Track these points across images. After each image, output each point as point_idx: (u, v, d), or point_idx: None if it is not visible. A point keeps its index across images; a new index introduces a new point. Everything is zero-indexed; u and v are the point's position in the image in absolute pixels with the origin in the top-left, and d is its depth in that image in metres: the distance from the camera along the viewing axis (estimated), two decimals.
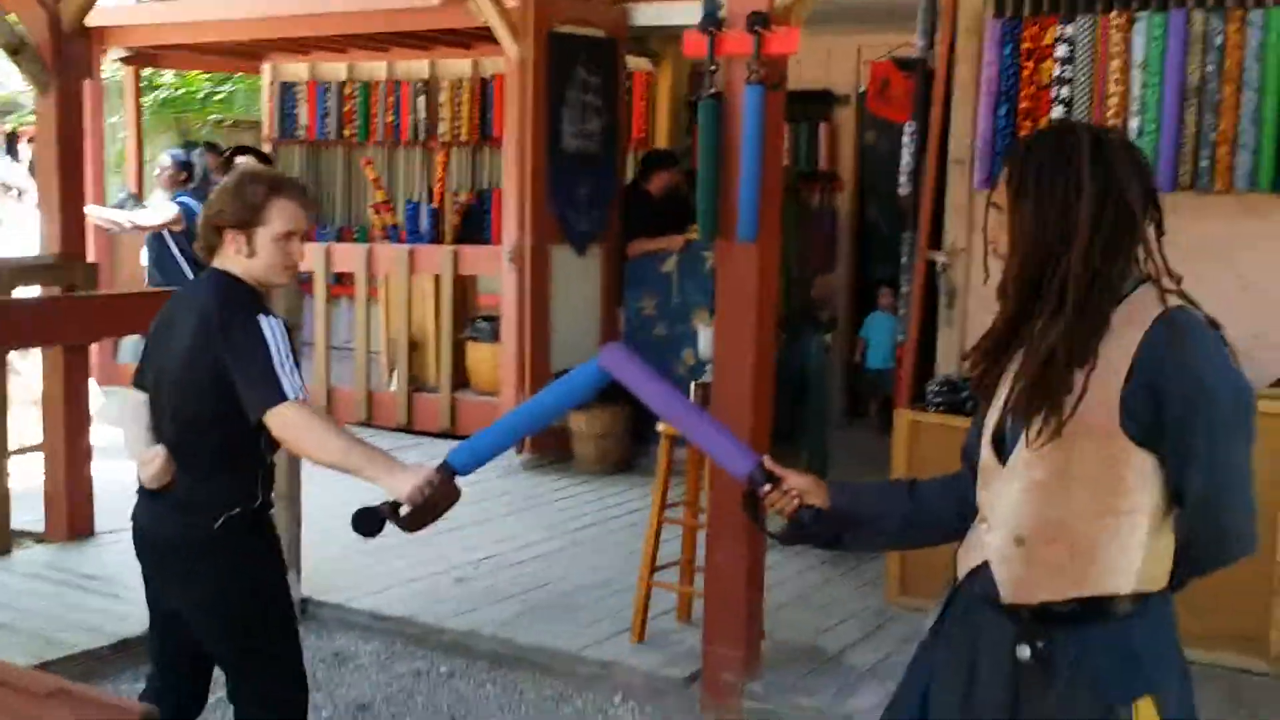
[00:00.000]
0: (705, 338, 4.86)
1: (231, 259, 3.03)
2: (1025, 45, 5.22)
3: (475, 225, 9.22)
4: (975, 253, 5.60)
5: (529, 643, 4.87)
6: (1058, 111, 5.17)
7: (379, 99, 9.82)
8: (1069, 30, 5.14)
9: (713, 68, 4.15)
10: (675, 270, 7.70)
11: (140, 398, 3.15)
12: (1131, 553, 2.05)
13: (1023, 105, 5.25)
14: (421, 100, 9.55)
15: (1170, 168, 4.98)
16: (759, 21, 4.02)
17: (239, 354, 2.89)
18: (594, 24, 7.96)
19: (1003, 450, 2.16)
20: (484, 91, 9.33)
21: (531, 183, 7.68)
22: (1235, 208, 5.05)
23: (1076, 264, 2.05)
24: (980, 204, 5.52)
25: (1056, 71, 5.17)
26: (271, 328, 2.93)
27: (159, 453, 3.01)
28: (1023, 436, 2.10)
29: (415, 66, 9.68)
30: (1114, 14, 5.07)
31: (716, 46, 4.13)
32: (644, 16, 8.22)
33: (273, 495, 3.21)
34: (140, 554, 3.15)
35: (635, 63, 9.11)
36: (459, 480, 2.74)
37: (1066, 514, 2.07)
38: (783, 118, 4.42)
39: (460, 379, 8.70)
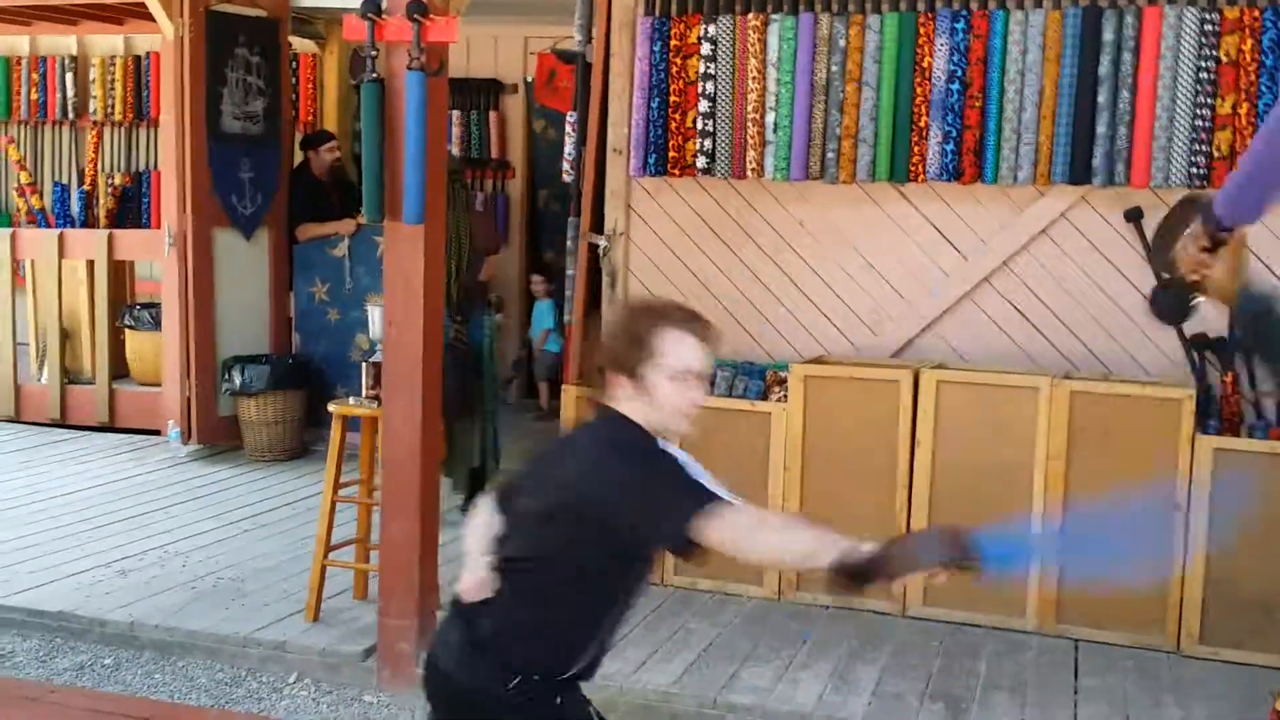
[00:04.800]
0: (375, 317, 4.93)
1: (625, 403, 2.54)
2: (674, 43, 5.59)
3: (132, 209, 8.83)
4: (635, 236, 5.95)
5: (197, 629, 4.82)
6: (704, 106, 5.57)
7: (22, 75, 9.21)
8: (712, 30, 5.54)
9: (373, 53, 4.25)
10: (347, 255, 7.69)
11: (495, 516, 2.73)
12: None
13: (672, 99, 5.62)
14: (70, 77, 9.03)
15: (802, 159, 5.46)
16: (419, 10, 4.15)
17: (636, 482, 2.44)
18: (255, 3, 7.82)
19: None
20: (139, 69, 8.94)
21: (191, 164, 7.47)
22: (858, 196, 5.60)
23: None
24: (637, 190, 5.88)
25: (701, 68, 5.56)
26: (679, 454, 2.50)
27: (484, 567, 2.62)
28: None
29: (62, 41, 9.15)
30: (751, 15, 5.51)
31: (377, 32, 4.23)
32: None
33: (595, 674, 2.69)
34: (425, 682, 2.75)
35: (301, 44, 8.98)
36: None
37: None
38: (445, 104, 4.57)
39: (119, 369, 8.34)
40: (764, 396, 5.36)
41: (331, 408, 5.02)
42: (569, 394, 5.64)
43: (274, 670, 4.66)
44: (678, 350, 2.49)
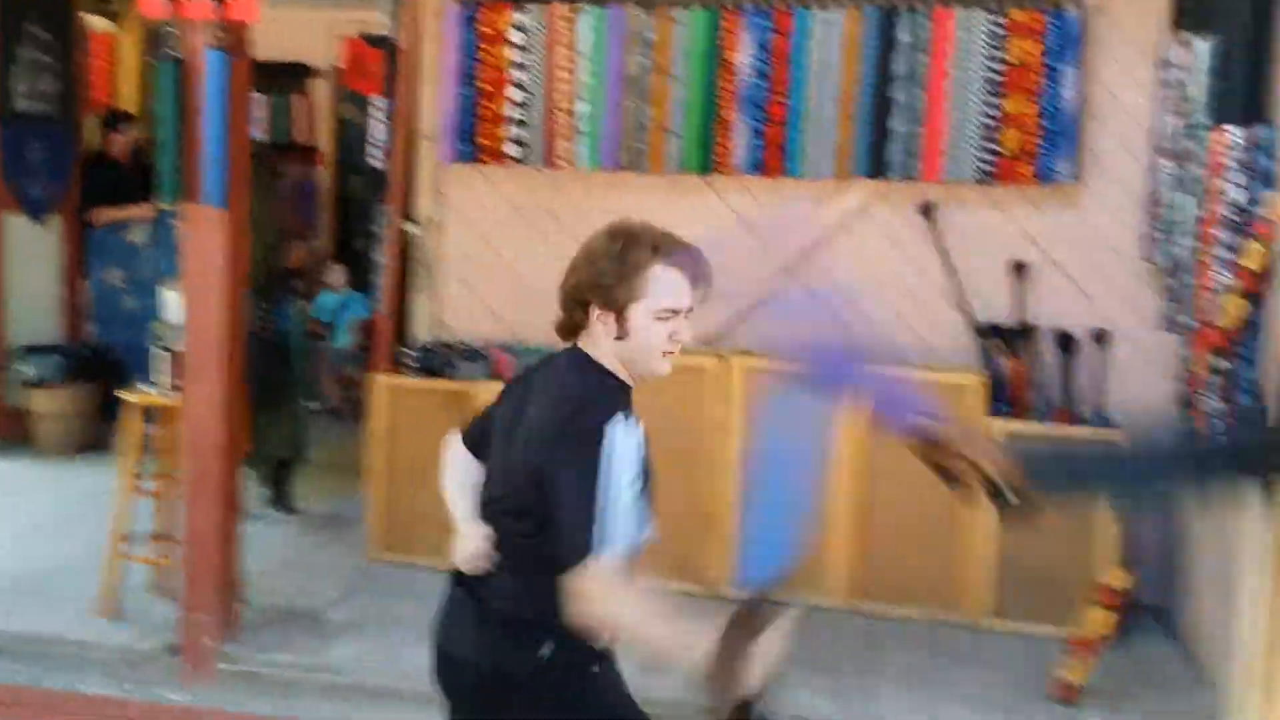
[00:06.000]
0: (170, 302, 4.77)
1: (598, 340, 2.36)
2: (484, 30, 5.58)
3: None
4: (446, 222, 5.92)
5: None
6: (515, 94, 5.58)
7: None
8: (521, 18, 5.55)
9: (172, 31, 4.12)
10: (145, 241, 7.42)
11: (470, 458, 2.52)
12: None
13: (484, 86, 5.61)
14: None
15: (613, 150, 5.53)
16: None
17: (568, 476, 2.20)
18: None
19: None
20: None
21: None
22: (667, 187, 5.70)
23: None
24: (448, 177, 5.85)
25: (512, 56, 5.57)
26: (620, 443, 2.21)
27: (481, 531, 2.38)
28: None
29: None
30: (561, 5, 5.54)
31: (175, 9, 4.10)
32: None
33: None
34: (439, 678, 2.43)
35: (97, 22, 8.60)
36: None
37: None
38: (248, 84, 4.46)
39: None
40: None
41: (128, 397, 4.84)
42: (379, 383, 5.57)
43: (72, 670, 4.48)
44: (668, 287, 2.30)
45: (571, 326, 2.40)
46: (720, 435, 5.22)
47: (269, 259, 5.99)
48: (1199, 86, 4.53)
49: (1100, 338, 5.32)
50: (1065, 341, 5.34)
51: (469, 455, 2.53)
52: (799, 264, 5.59)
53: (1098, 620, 4.32)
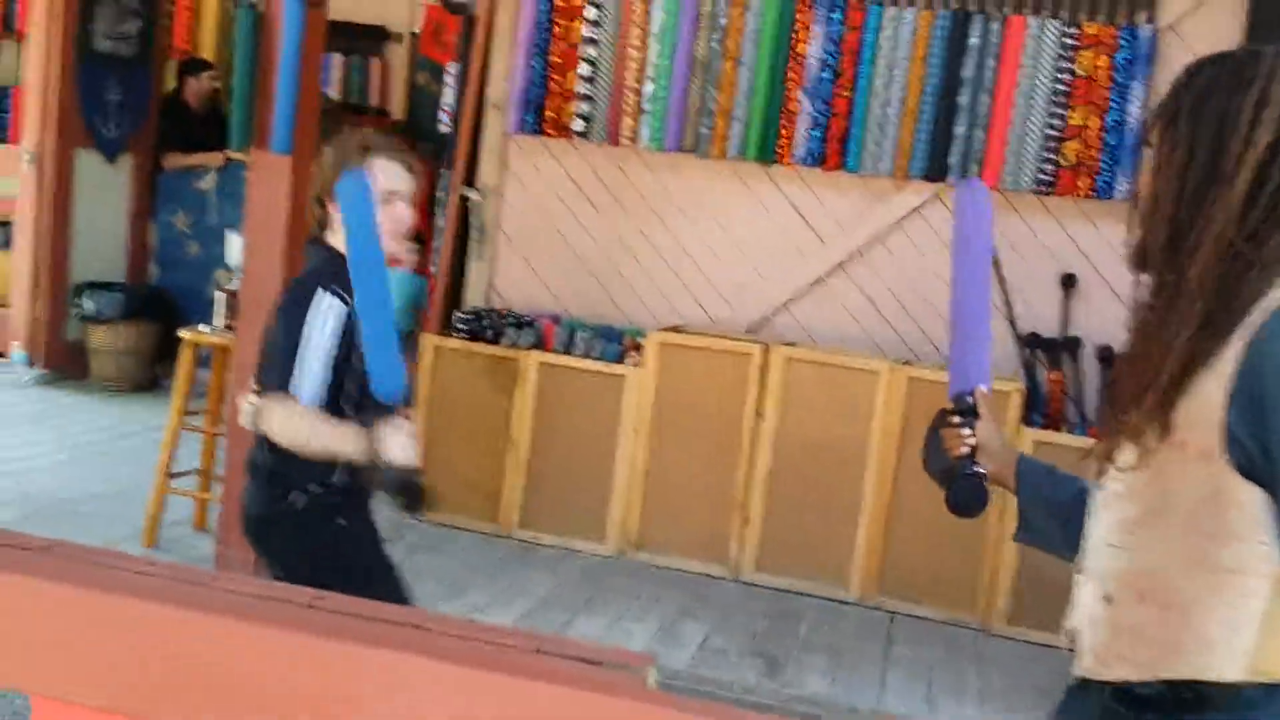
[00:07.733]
0: (234, 244, 4.90)
1: (336, 231, 2.75)
2: (559, 3, 5.66)
3: None
4: (507, 192, 6.02)
5: None
6: (584, 69, 5.65)
7: None
8: None
9: None
10: (214, 188, 7.58)
11: None
12: (1240, 627, 1.51)
13: (554, 59, 5.69)
14: None
15: (677, 132, 5.60)
16: None
17: (281, 323, 2.73)
18: None
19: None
20: None
21: (58, 82, 7.27)
22: (726, 172, 5.75)
23: (1221, 220, 1.51)
24: (513, 147, 5.94)
25: (585, 32, 5.64)
26: (330, 309, 2.66)
27: (247, 396, 2.86)
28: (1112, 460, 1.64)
29: None
30: None
31: None
32: None
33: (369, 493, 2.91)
34: (243, 530, 2.96)
35: None
36: None
37: (1160, 562, 1.57)
38: (323, 37, 4.57)
39: None
40: (620, 360, 5.48)
41: (183, 334, 4.98)
42: (428, 342, 5.68)
43: None
44: (382, 174, 2.71)
45: (321, 225, 2.82)
46: (758, 423, 5.28)
47: None
48: None
49: None
50: (1108, 357, 5.34)
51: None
52: (853, 260, 5.65)
53: None
